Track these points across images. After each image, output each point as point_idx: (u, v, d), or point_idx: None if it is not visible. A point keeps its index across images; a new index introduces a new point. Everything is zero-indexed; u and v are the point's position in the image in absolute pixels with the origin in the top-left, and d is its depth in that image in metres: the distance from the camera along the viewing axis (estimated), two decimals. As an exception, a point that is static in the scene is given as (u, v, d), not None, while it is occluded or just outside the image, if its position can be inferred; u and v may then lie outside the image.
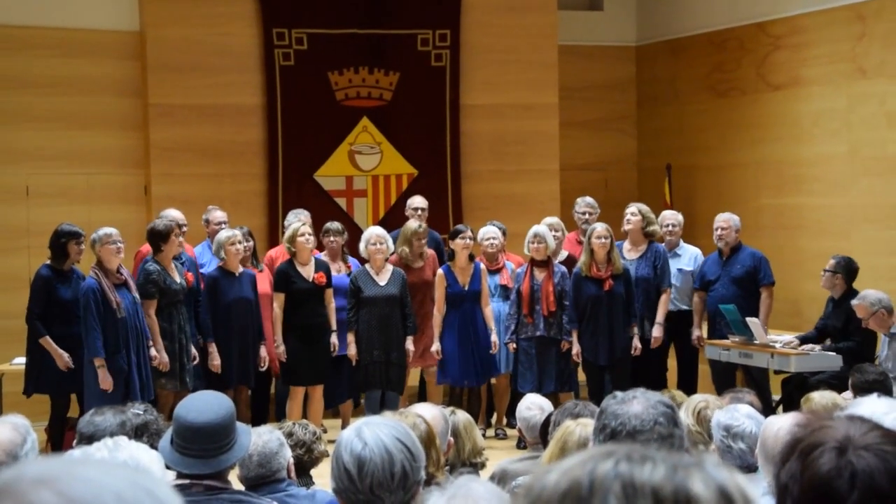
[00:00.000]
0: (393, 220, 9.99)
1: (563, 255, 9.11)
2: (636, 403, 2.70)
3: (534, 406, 5.17)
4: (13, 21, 9.86)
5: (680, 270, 9.22)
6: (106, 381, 7.44)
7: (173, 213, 8.69)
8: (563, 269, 8.76)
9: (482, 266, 8.84)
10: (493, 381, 9.07)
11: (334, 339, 8.47)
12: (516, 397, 8.79)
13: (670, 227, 9.33)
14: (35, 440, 3.28)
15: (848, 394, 6.30)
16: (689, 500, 1.23)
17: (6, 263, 9.69)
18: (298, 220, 8.74)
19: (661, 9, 11.97)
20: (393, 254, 8.83)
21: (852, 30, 9.74)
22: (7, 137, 9.83)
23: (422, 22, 10.62)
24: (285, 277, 8.38)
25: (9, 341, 9.13)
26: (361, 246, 8.67)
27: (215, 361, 8.22)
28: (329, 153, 10.50)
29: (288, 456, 4.08)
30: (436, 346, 8.70)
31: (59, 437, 7.88)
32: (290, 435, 4.47)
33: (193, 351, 8.13)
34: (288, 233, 8.54)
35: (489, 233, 9.01)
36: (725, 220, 9.03)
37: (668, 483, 1.24)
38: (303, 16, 10.40)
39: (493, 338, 8.73)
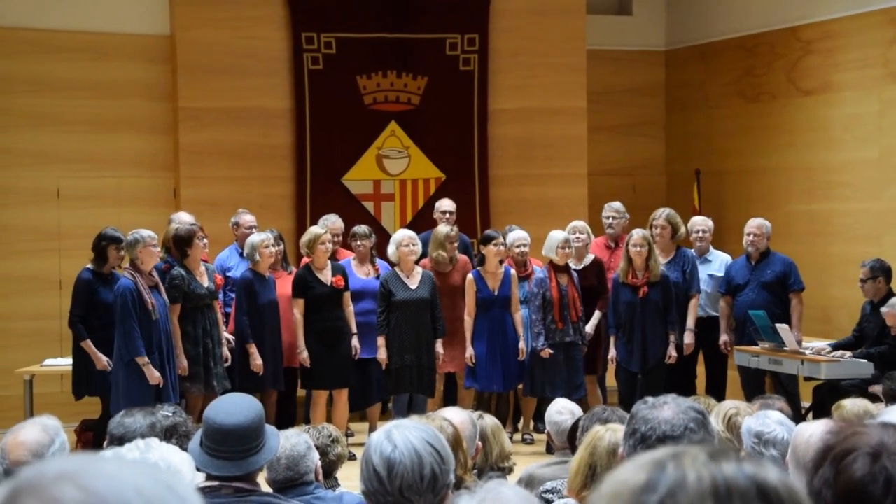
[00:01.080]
0: (420, 224, 9.99)
1: (590, 258, 9.09)
2: (667, 409, 2.68)
3: (564, 411, 5.15)
4: (44, 25, 9.94)
5: (710, 276, 9.18)
6: (153, 376, 7.48)
7: (184, 217, 8.72)
8: (576, 274, 8.78)
9: (512, 272, 8.82)
10: (520, 386, 9.05)
11: (355, 342, 8.46)
12: (542, 403, 8.81)
13: (700, 234, 9.28)
14: (64, 441, 3.30)
15: (876, 388, 6.26)
16: (766, 494, 1.25)
17: (37, 265, 9.76)
18: (323, 227, 8.73)
19: (690, 13, 11.93)
20: (424, 258, 8.85)
21: (885, 35, 9.68)
22: (39, 140, 9.91)
23: (450, 26, 10.63)
24: (304, 283, 8.40)
25: (40, 342, 9.21)
26: (391, 248, 8.67)
27: (258, 362, 8.24)
28: (357, 157, 10.52)
29: (316, 459, 4.08)
30: (469, 352, 8.69)
31: (100, 439, 7.90)
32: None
33: (226, 353, 8.16)
34: (306, 237, 8.53)
35: (520, 239, 8.99)
36: (758, 225, 8.97)
37: (745, 479, 1.26)
38: (332, 20, 10.42)
39: (521, 344, 8.72)
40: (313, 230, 8.57)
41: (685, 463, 1.28)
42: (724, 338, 9.08)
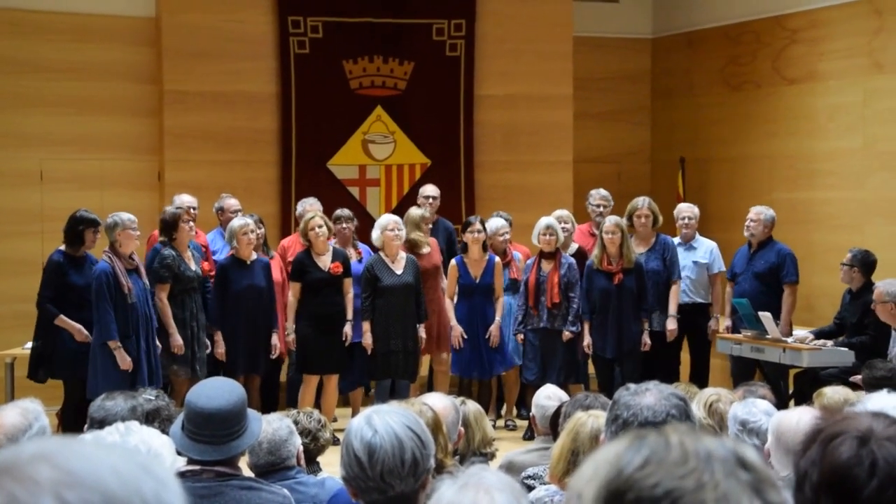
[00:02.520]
0: (406, 209, 9.97)
1: (574, 247, 9.09)
2: (649, 395, 2.70)
3: (553, 396, 5.16)
4: (29, 6, 9.88)
5: (695, 263, 9.19)
6: (125, 360, 7.46)
7: (185, 198, 8.71)
8: (572, 260, 8.75)
9: (497, 260, 8.82)
10: (503, 372, 9.07)
11: (348, 328, 8.47)
12: (526, 389, 8.83)
13: (686, 220, 9.29)
14: (45, 425, 3.28)
15: (856, 378, 6.30)
16: (745, 464, 1.27)
17: (20, 248, 9.72)
18: (310, 211, 8.73)
19: (676, 1, 11.93)
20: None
21: (869, 24, 9.70)
22: (21, 122, 9.86)
23: (437, 12, 10.61)
24: (300, 267, 8.40)
25: (22, 325, 9.15)
26: (376, 233, 8.66)
27: (219, 349, 8.24)
28: (342, 142, 10.50)
29: (298, 444, 4.08)
30: (459, 330, 8.68)
31: (72, 421, 7.88)
32: (295, 423, 4.47)
33: (215, 338, 8.15)
34: (301, 226, 8.55)
35: (501, 226, 8.99)
36: (756, 213, 8.94)
37: (725, 451, 1.27)
38: (318, 4, 10.39)
39: (493, 328, 8.72)
40: (305, 217, 8.56)
41: (667, 433, 1.30)
42: (726, 323, 9.07)
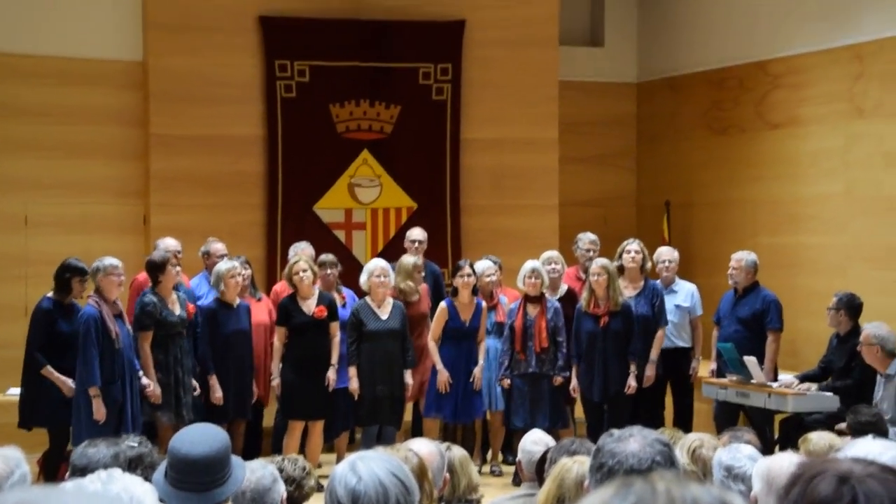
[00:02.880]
0: (392, 253, 9.98)
1: (564, 289, 9.11)
2: (633, 442, 2.69)
3: (540, 442, 5.14)
4: (15, 49, 9.91)
5: (677, 307, 9.21)
6: (100, 411, 7.42)
7: (169, 242, 8.70)
8: (557, 304, 8.75)
9: (484, 304, 8.82)
10: (488, 417, 9.03)
11: (331, 373, 8.44)
12: (511, 434, 8.80)
13: (667, 264, 9.32)
14: (26, 473, 3.25)
15: (842, 426, 6.30)
16: None
17: (3, 292, 9.68)
18: (296, 256, 8.74)
19: (661, 46, 12.04)
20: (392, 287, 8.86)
21: (850, 70, 9.80)
22: (6, 166, 9.85)
23: (423, 56, 10.68)
24: (286, 312, 8.39)
25: (5, 371, 9.10)
26: (363, 277, 8.65)
27: (217, 394, 8.20)
28: (329, 185, 10.52)
29: (281, 491, 4.05)
30: (446, 375, 8.65)
31: (55, 469, 7.81)
32: (279, 470, 4.44)
33: (194, 383, 8.12)
34: (286, 269, 8.55)
35: (487, 269, 8.99)
36: (738, 259, 8.95)
37: (711, 498, 1.27)
38: (305, 48, 10.45)
39: (476, 371, 8.69)
40: (290, 261, 8.57)
41: (654, 480, 1.31)
42: (693, 364, 9.11)
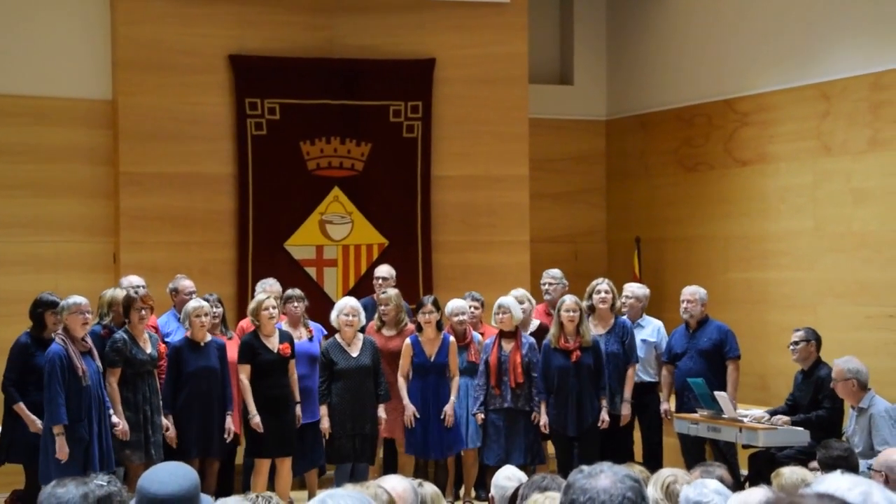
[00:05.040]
0: (363, 289, 9.99)
1: (535, 324, 9.12)
2: (603, 478, 2.69)
3: (513, 477, 5.13)
4: (-15, 88, 9.88)
5: (644, 342, 9.25)
6: (63, 450, 7.36)
7: (133, 280, 8.68)
8: (532, 340, 8.77)
9: (451, 339, 8.81)
10: (462, 453, 9.01)
11: (299, 411, 8.40)
12: (484, 470, 8.78)
13: (634, 300, 9.36)
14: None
15: (814, 464, 6.31)
16: None
17: (-29, 330, 9.58)
18: (263, 292, 8.72)
19: (630, 84, 12.15)
20: (369, 322, 8.89)
21: (817, 108, 9.91)
22: (-25, 204, 9.79)
23: (394, 93, 10.72)
24: (250, 349, 8.35)
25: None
26: (333, 315, 8.64)
27: (170, 434, 8.13)
28: (300, 222, 10.51)
29: (254, 529, 4.01)
30: (411, 409, 8.62)
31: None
32: (254, 508, 4.40)
33: (165, 422, 8.06)
34: (252, 305, 8.51)
35: (457, 308, 8.98)
36: (692, 293, 9.07)
37: None
38: (275, 86, 10.47)
39: (447, 408, 8.67)
40: (257, 298, 8.54)
41: None
42: (664, 406, 9.15)
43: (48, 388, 7.39)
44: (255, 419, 8.30)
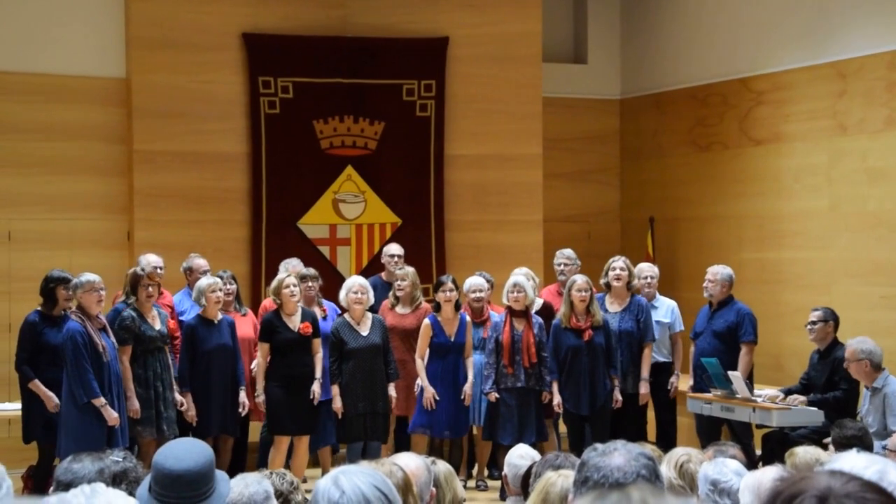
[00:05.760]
0: (376, 268, 9.99)
1: (539, 303, 9.10)
2: (617, 456, 2.69)
3: (526, 456, 5.13)
4: (0, 67, 9.88)
5: (657, 322, 9.23)
6: (112, 416, 7.42)
7: (151, 258, 8.69)
8: (540, 320, 8.76)
9: (468, 318, 8.82)
10: (474, 432, 9.02)
11: (316, 387, 8.40)
12: (498, 448, 8.79)
13: (648, 279, 9.34)
14: (10, 487, 3.23)
15: (828, 440, 6.31)
16: None
17: (-14, 308, 9.64)
18: (285, 271, 8.73)
19: (644, 63, 12.09)
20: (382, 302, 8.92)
21: (833, 87, 9.86)
22: (-10, 182, 9.82)
23: (407, 72, 10.70)
24: (270, 327, 8.36)
25: (-14, 386, 9.07)
26: (342, 294, 8.64)
27: (190, 412, 8.17)
28: (313, 201, 10.52)
29: (272, 507, 4.02)
30: (431, 392, 8.64)
31: (43, 485, 7.79)
32: (267, 485, 4.42)
33: (178, 398, 8.09)
34: (273, 284, 8.52)
35: (475, 285, 8.99)
36: (713, 273, 8.98)
37: None
38: (289, 64, 10.46)
39: (466, 388, 8.69)
40: (279, 276, 8.55)
41: (630, 491, 1.30)
42: (689, 382, 9.09)
43: (75, 366, 7.41)
44: (260, 398, 8.34)
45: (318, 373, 8.42)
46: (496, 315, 8.95)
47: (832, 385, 8.23)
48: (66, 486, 3.43)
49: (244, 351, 8.53)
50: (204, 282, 8.35)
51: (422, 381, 8.68)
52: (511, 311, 8.69)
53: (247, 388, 8.46)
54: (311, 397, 8.36)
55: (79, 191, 10.10)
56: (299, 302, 8.50)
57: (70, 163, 10.06)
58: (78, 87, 10.10)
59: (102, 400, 7.41)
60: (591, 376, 8.59)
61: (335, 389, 8.44)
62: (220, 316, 8.39)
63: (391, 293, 9.05)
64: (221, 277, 8.56)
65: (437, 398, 8.65)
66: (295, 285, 8.39)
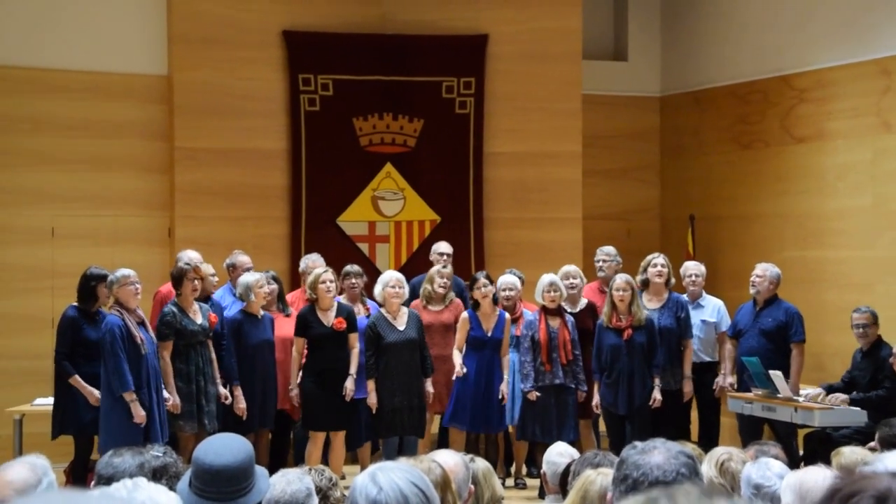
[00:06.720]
0: (415, 266, 10.00)
1: (584, 302, 9.08)
2: (657, 454, 2.67)
3: (564, 454, 5.12)
4: (42, 64, 9.99)
5: (703, 322, 9.16)
6: (139, 413, 7.46)
7: (191, 254, 8.74)
8: (572, 318, 8.75)
9: (507, 316, 8.81)
10: (510, 430, 9.00)
11: (349, 383, 8.39)
12: (534, 447, 8.77)
13: (693, 278, 9.27)
14: (53, 481, 3.27)
15: (874, 444, 6.24)
16: None
17: (31, 304, 9.74)
18: (321, 267, 8.75)
19: (685, 60, 12.01)
20: (415, 299, 8.90)
21: (877, 84, 9.75)
22: (34, 179, 9.92)
23: (446, 69, 10.70)
24: (305, 322, 8.40)
25: (32, 382, 9.17)
26: (378, 288, 8.64)
27: (241, 405, 8.22)
28: (352, 198, 10.54)
29: (314, 504, 4.03)
30: (459, 363, 8.60)
31: (82, 478, 7.86)
32: (307, 481, 4.43)
33: (222, 391, 8.13)
34: (310, 279, 8.54)
35: (507, 283, 8.98)
36: (763, 269, 8.90)
37: None
38: (329, 62, 10.49)
39: (503, 386, 8.68)
40: (315, 272, 8.57)
41: (678, 497, 1.28)
42: (729, 380, 9.00)
43: (112, 358, 7.47)
44: (293, 392, 8.39)
45: (353, 368, 8.42)
46: (528, 313, 8.94)
47: (875, 384, 8.15)
48: (107, 481, 3.46)
49: (286, 351, 8.57)
50: (251, 277, 8.42)
51: (455, 363, 8.65)
52: (545, 310, 8.67)
53: (278, 385, 8.51)
54: (344, 394, 8.37)
55: (121, 187, 10.18)
56: (338, 297, 8.52)
57: (112, 160, 10.14)
58: (120, 84, 10.18)
59: (133, 395, 7.46)
60: (630, 376, 8.55)
61: (371, 385, 8.45)
62: (262, 312, 8.44)
63: (422, 292, 9.00)
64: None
65: (465, 370, 8.58)
66: (332, 280, 8.41)
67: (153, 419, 7.57)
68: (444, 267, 9.09)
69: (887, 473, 1.91)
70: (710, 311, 9.25)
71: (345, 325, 8.41)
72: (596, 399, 8.58)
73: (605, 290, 9.32)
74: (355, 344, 8.48)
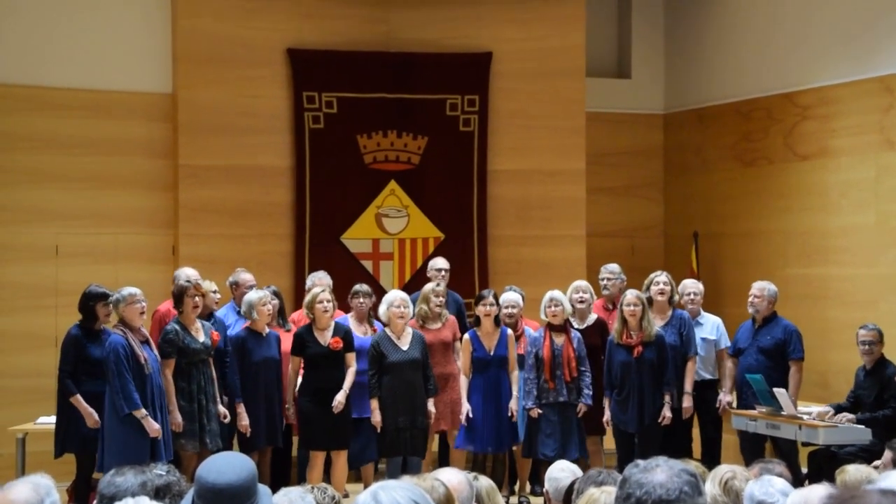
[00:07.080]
0: (419, 283, 9.99)
1: (593, 318, 9.07)
2: (660, 472, 2.66)
3: (567, 470, 5.11)
4: (47, 82, 10.02)
5: (703, 339, 9.16)
6: (153, 428, 7.46)
7: (189, 272, 8.73)
8: (579, 334, 8.74)
9: (510, 332, 8.80)
10: (514, 447, 8.99)
11: (340, 396, 8.33)
12: (539, 464, 8.75)
13: (692, 296, 9.28)
14: (56, 501, 3.26)
15: (879, 462, 6.22)
16: None
17: (34, 322, 9.75)
18: (319, 287, 8.73)
19: (688, 77, 12.04)
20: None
21: (880, 101, 9.75)
22: (38, 197, 9.94)
23: (450, 87, 10.73)
24: (301, 342, 8.40)
25: (35, 400, 9.17)
26: (382, 308, 8.63)
27: (244, 422, 8.22)
28: (356, 216, 10.56)
29: (315, 523, 4.02)
30: (466, 408, 8.65)
31: (84, 497, 7.85)
32: (309, 500, 4.42)
33: (222, 410, 8.12)
34: (307, 298, 8.55)
35: (509, 300, 8.97)
36: (760, 288, 8.93)
37: None
38: (333, 79, 10.52)
39: (511, 403, 8.68)
40: (313, 291, 8.58)
41: None
42: (727, 398, 9.01)
43: (117, 378, 7.46)
44: (290, 410, 8.42)
45: (346, 384, 8.39)
46: (530, 330, 8.93)
47: (881, 403, 8.13)
48: (109, 500, 3.45)
49: (285, 365, 8.57)
50: (254, 295, 8.43)
51: (461, 397, 8.68)
52: (550, 326, 8.66)
53: (284, 404, 8.51)
54: (333, 405, 8.30)
55: (124, 205, 10.19)
56: (340, 317, 8.52)
57: (116, 177, 10.16)
58: (124, 102, 10.21)
59: (143, 411, 7.45)
60: (640, 393, 8.53)
61: (374, 404, 8.43)
62: (266, 329, 8.45)
63: (417, 312, 8.93)
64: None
65: (471, 416, 8.62)
66: (329, 300, 8.41)
67: (158, 438, 7.56)
68: (439, 285, 9.08)
69: (877, 491, 1.91)
70: (710, 328, 9.25)
71: (341, 345, 8.40)
72: (607, 415, 8.57)
73: (608, 308, 9.32)
74: (352, 363, 8.47)
